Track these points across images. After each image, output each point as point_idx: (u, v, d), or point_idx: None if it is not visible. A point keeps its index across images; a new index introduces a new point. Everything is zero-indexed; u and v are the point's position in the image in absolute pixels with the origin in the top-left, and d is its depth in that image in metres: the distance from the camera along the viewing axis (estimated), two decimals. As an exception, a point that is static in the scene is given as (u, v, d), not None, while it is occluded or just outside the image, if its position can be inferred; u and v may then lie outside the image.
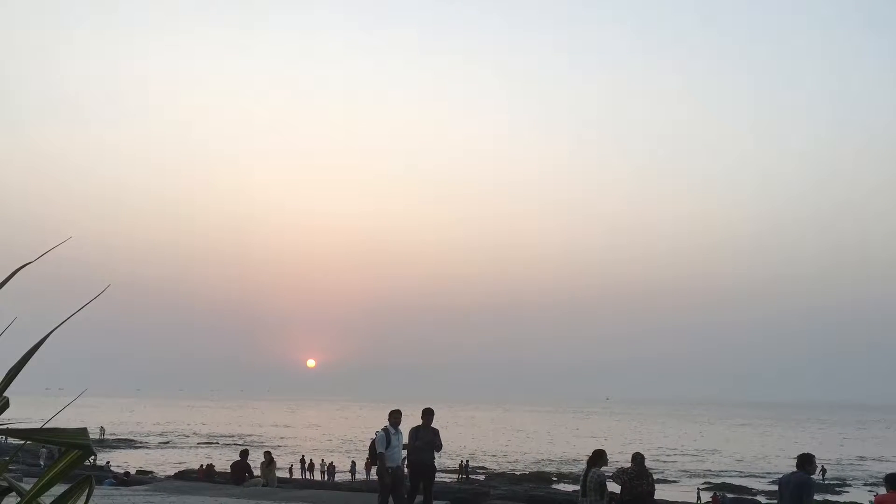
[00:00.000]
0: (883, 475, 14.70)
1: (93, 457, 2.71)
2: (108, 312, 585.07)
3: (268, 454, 26.73)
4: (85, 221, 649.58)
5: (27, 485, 2.66)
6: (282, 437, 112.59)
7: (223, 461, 62.64)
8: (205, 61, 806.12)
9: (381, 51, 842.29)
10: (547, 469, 75.78)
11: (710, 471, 79.35)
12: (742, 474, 76.83)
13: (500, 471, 72.96)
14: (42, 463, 53.56)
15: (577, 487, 17.69)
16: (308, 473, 65.75)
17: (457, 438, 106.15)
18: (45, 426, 2.59)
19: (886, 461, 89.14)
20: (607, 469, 16.79)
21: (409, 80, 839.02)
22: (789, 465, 23.70)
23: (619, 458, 59.89)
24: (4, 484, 2.60)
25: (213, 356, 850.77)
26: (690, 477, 73.36)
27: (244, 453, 25.95)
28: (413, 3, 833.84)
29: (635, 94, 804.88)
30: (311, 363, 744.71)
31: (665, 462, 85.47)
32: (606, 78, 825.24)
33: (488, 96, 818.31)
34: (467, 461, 69.32)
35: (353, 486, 50.14)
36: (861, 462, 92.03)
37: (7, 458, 2.83)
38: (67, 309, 2.78)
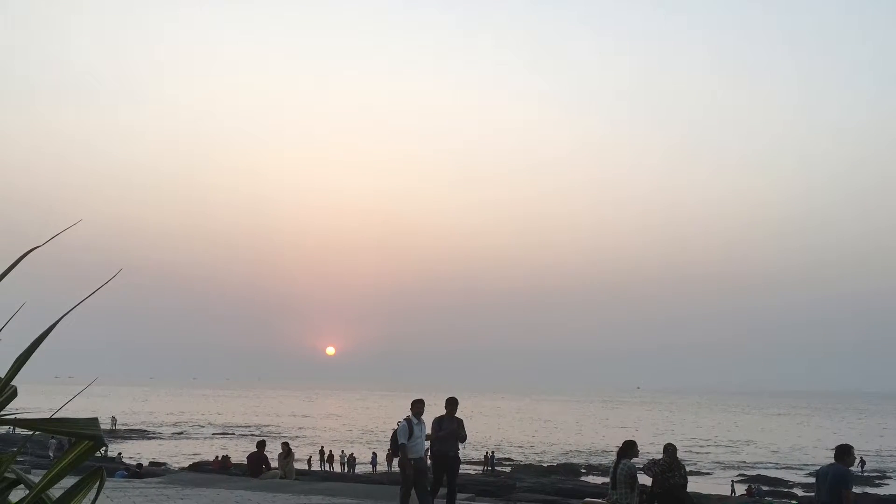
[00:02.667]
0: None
1: (104, 448, 2.71)
2: (119, 298, 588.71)
3: (286, 445, 26.80)
4: (96, 203, 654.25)
5: (36, 477, 2.66)
6: (300, 428, 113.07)
7: (239, 452, 62.99)
8: (220, 38, 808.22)
9: (406, 28, 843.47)
10: (575, 461, 75.78)
11: (744, 462, 79.22)
12: (778, 466, 76.64)
13: (527, 462, 73.05)
14: (51, 454, 53.92)
15: (607, 480, 17.71)
16: (327, 465, 66.01)
17: (482, 429, 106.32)
18: (54, 416, 2.59)
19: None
20: (638, 461, 16.77)
21: (435, 57, 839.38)
22: (827, 457, 23.59)
23: (650, 449, 59.76)
24: (12, 476, 2.60)
25: (229, 343, 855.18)
26: (724, 469, 73.29)
27: (261, 444, 26.04)
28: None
29: (667, 73, 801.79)
30: (330, 350, 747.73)
31: (698, 453, 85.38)
32: (637, 56, 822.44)
33: (516, 75, 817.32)
34: (492, 452, 69.40)
35: (374, 479, 50.30)
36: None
37: (15, 450, 2.83)
38: (78, 294, 2.78)
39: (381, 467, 63.28)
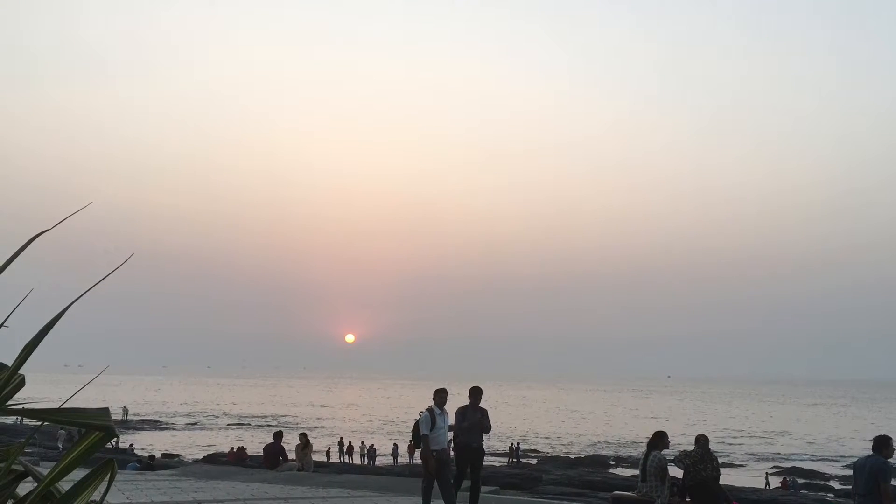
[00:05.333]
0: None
1: (115, 439, 2.70)
2: (131, 284, 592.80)
3: (303, 436, 26.91)
4: (107, 186, 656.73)
5: (45, 469, 2.66)
6: (318, 418, 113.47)
7: (255, 444, 63.29)
8: (236, 16, 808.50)
9: (430, 7, 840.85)
10: (604, 452, 75.75)
11: (779, 454, 79.01)
12: (814, 458, 76.42)
13: (554, 454, 73.08)
14: (60, 446, 54.37)
15: (637, 472, 17.68)
16: (347, 457, 66.18)
17: (507, 419, 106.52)
18: (63, 406, 2.58)
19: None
20: (668, 452, 16.75)
21: (461, 36, 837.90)
22: (865, 448, 23.46)
23: (681, 440, 59.77)
24: (20, 468, 2.60)
25: (245, 330, 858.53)
26: (758, 461, 73.12)
27: (278, 435, 26.15)
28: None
29: (698, 50, 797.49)
30: (349, 338, 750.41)
31: (731, 445, 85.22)
32: (668, 33, 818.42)
33: (545, 55, 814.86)
34: (518, 444, 69.42)
35: (394, 471, 50.47)
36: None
37: (23, 441, 2.83)
38: (88, 280, 2.77)
39: (403, 459, 63.39)
